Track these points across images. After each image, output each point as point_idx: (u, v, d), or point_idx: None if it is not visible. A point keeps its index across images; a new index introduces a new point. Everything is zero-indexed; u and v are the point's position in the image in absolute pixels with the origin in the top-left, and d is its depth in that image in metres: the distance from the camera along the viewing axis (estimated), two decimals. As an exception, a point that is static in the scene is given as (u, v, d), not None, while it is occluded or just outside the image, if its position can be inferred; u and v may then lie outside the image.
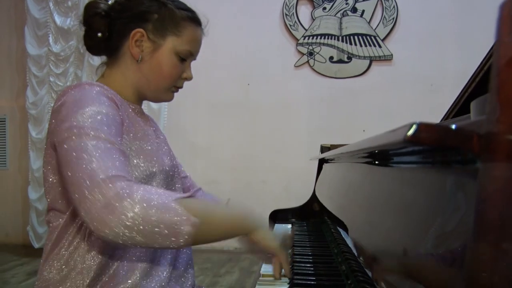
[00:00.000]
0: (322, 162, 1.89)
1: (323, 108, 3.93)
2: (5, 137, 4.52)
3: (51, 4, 4.09)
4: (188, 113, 4.00)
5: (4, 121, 4.51)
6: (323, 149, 1.97)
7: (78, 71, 4.09)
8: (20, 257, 3.98)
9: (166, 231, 0.72)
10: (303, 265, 1.06)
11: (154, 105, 3.73)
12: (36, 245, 4.15)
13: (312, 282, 0.94)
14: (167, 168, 1.05)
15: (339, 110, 3.90)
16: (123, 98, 1.03)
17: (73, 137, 0.80)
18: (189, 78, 1.10)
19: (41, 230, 4.16)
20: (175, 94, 1.11)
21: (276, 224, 1.69)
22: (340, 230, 1.20)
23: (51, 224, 0.97)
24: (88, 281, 0.89)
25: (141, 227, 0.70)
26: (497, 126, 0.34)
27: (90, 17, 1.03)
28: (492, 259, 0.34)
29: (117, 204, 0.70)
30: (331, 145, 1.93)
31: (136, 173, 0.94)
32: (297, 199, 1.85)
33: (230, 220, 0.85)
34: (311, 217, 1.76)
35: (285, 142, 3.95)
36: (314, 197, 1.80)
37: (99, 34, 1.03)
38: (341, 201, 1.22)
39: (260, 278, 0.97)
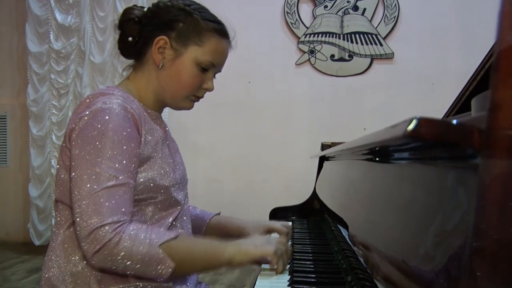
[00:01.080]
0: (322, 160, 1.88)
1: (324, 107, 3.93)
2: (5, 134, 4.52)
3: (52, 2, 4.09)
4: (189, 112, 3.96)
5: (5, 118, 4.51)
6: (324, 147, 1.97)
7: (79, 69, 4.09)
8: (20, 254, 3.98)
9: (149, 272, 0.88)
10: (303, 262, 1.06)
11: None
12: (37, 243, 4.15)
13: (312, 280, 0.94)
14: (179, 181, 1.09)
15: (340, 108, 3.90)
16: (144, 104, 1.07)
17: (83, 175, 0.89)
18: (210, 89, 1.12)
19: (41, 228, 4.16)
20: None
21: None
22: (340, 227, 1.20)
23: (56, 217, 1.02)
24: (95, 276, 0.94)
25: (128, 268, 0.87)
26: (497, 121, 0.34)
27: (124, 22, 1.08)
28: (493, 254, 0.34)
29: (105, 252, 0.86)
30: (331, 143, 1.93)
31: (151, 186, 1.00)
32: (298, 198, 1.85)
33: (207, 258, 0.94)
34: (311, 215, 1.76)
35: (286, 141, 3.94)
36: (314, 195, 1.80)
37: (130, 39, 1.08)
38: (341, 199, 1.22)
39: (262, 272, 0.98)
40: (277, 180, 3.89)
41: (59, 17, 4.09)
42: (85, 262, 0.94)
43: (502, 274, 0.33)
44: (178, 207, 1.07)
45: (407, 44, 3.81)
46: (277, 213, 1.76)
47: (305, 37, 3.92)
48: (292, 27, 3.93)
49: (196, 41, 1.05)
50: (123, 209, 0.90)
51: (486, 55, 1.03)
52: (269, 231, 1.25)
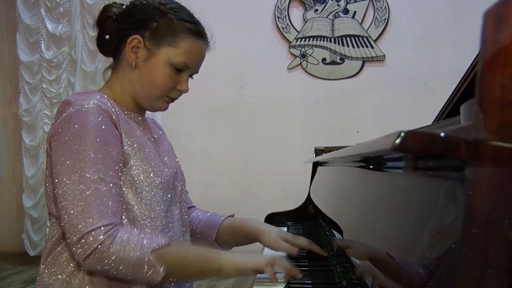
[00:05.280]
0: (316, 165, 1.89)
1: (317, 110, 3.94)
2: (-2, 145, 4.49)
3: (42, 11, 4.07)
4: (182, 117, 3.99)
5: (-3, 128, 4.49)
6: (317, 151, 1.98)
7: (71, 78, 4.07)
8: (16, 265, 3.96)
9: (140, 277, 0.88)
10: (299, 268, 1.07)
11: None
12: (32, 253, 4.12)
13: (309, 286, 0.94)
14: (167, 179, 1.06)
15: (333, 111, 3.91)
16: (122, 106, 1.05)
17: (67, 180, 0.88)
18: (184, 91, 1.09)
19: (36, 238, 4.13)
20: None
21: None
22: (335, 232, 1.21)
23: (49, 228, 1.01)
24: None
25: (119, 272, 0.87)
26: (483, 132, 0.34)
27: (102, 19, 1.07)
28: (480, 262, 0.34)
29: (97, 255, 0.85)
30: (325, 147, 1.94)
31: (137, 184, 0.99)
32: (295, 201, 1.85)
33: (199, 265, 0.94)
34: (306, 220, 1.77)
35: (280, 144, 3.95)
36: (309, 200, 1.80)
37: (107, 37, 1.07)
38: (335, 204, 1.23)
39: (257, 280, 0.98)
40: (274, 183, 3.90)
41: (49, 26, 4.08)
42: (80, 273, 0.93)
43: (489, 281, 0.33)
44: (162, 210, 1.04)
45: (398, 46, 3.84)
46: (272, 218, 1.76)
47: (296, 41, 3.93)
48: (283, 32, 3.94)
49: (169, 41, 1.02)
50: (113, 211, 0.89)
51: (476, 57, 1.03)
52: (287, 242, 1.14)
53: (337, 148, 1.73)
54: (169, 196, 1.06)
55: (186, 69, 1.06)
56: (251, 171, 3.95)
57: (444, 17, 3.79)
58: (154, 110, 1.12)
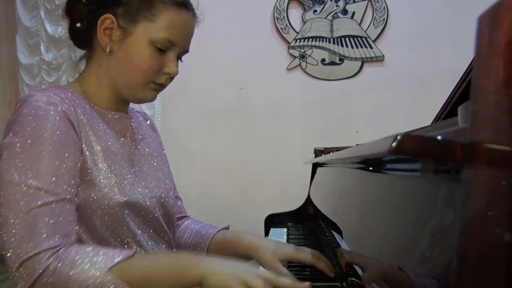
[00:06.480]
0: (316, 165, 1.89)
1: (316, 110, 3.94)
2: (-2, 147, 4.49)
3: (42, 13, 4.08)
4: (182, 118, 3.99)
5: (-3, 131, 4.49)
6: (317, 152, 1.98)
7: (70, 79, 4.07)
8: (16, 267, 3.95)
9: None
10: (298, 268, 1.07)
11: (146, 110, 3.72)
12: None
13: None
14: (136, 198, 0.89)
15: (332, 112, 3.91)
16: (96, 103, 0.93)
17: (10, 192, 0.74)
18: (172, 74, 0.92)
19: (37, 240, 4.13)
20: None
21: (271, 229, 1.69)
22: (334, 233, 1.21)
23: None
24: None
25: None
26: (479, 135, 0.34)
27: (71, 4, 0.93)
28: (477, 263, 0.35)
29: (42, 285, 0.69)
30: (324, 148, 1.95)
31: (97, 204, 0.84)
32: (293, 202, 1.85)
33: (174, 277, 0.74)
34: (306, 220, 1.77)
35: (279, 145, 3.95)
36: (309, 201, 1.80)
37: (78, 24, 0.92)
38: (335, 204, 1.23)
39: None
40: (272, 183, 3.90)
41: (49, 28, 4.08)
42: None
43: (485, 282, 0.34)
44: (131, 238, 0.89)
45: (397, 46, 3.84)
46: (272, 219, 1.76)
47: (295, 42, 3.94)
48: (282, 32, 3.94)
49: (146, 15, 0.87)
50: (64, 231, 0.74)
51: (474, 57, 1.03)
52: (289, 260, 0.97)
53: (337, 148, 1.74)
54: (142, 219, 0.91)
55: (171, 47, 0.90)
56: (250, 172, 3.96)
57: (443, 17, 3.79)
58: (139, 101, 0.96)
